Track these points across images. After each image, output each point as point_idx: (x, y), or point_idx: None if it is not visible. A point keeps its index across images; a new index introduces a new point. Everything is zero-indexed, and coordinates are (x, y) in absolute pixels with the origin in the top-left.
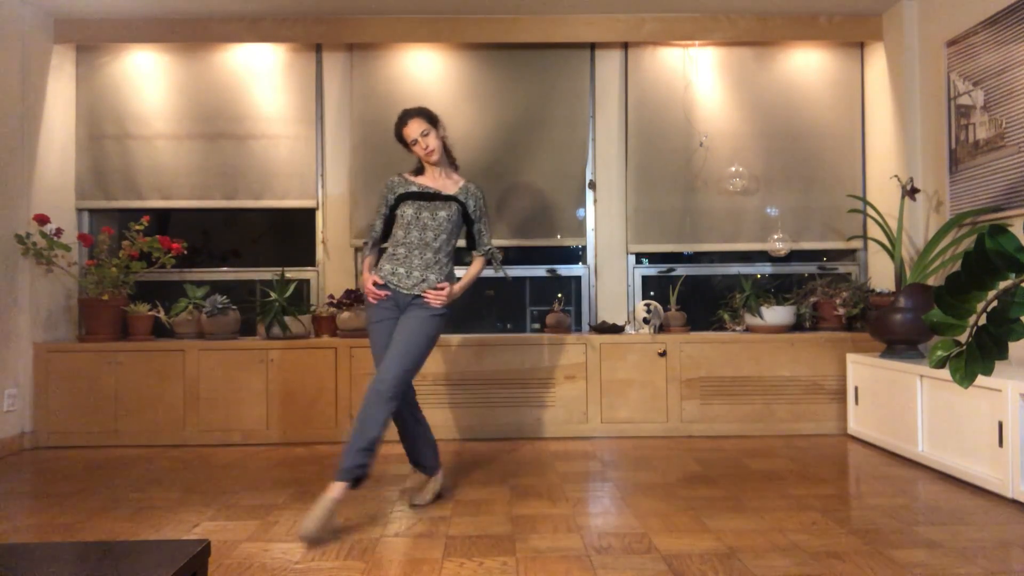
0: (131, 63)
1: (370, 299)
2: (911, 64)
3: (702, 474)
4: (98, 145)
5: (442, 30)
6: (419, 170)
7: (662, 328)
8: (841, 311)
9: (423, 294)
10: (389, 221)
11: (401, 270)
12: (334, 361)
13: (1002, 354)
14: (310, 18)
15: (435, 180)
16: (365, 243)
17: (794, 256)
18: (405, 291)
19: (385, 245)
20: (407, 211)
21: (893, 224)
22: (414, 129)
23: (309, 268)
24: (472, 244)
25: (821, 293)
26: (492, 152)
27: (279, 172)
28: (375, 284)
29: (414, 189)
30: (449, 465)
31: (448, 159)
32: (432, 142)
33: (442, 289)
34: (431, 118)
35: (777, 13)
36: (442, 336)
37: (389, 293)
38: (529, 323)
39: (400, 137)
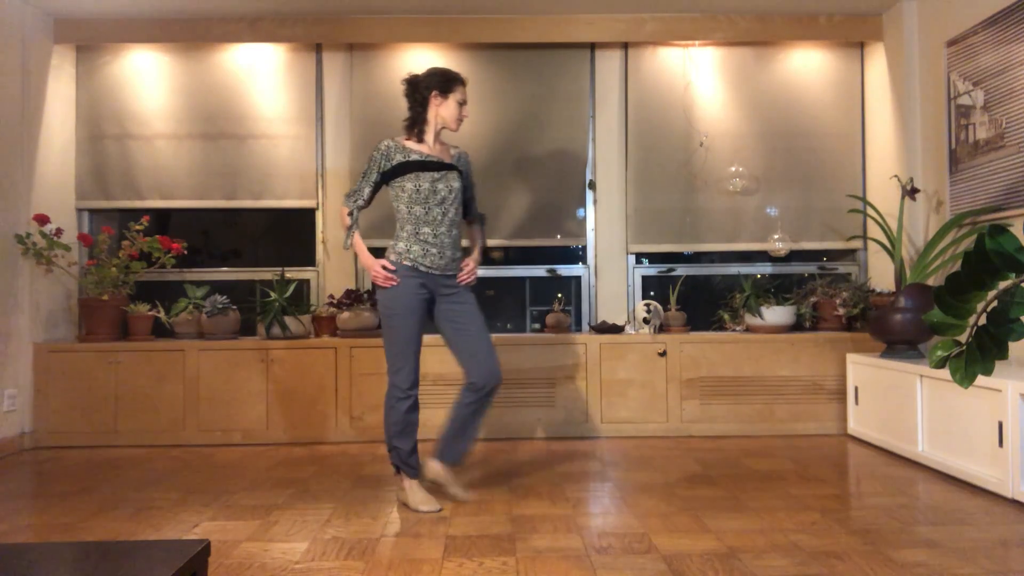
0: (131, 63)
1: (385, 284)
2: (911, 64)
3: (702, 474)
4: (98, 145)
5: (442, 30)
6: (420, 134)
7: (662, 328)
8: (841, 311)
9: (457, 275)
10: (376, 190)
11: (434, 251)
12: (334, 361)
13: (1002, 354)
14: (310, 18)
15: (432, 148)
16: (350, 213)
17: (794, 256)
18: (439, 272)
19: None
20: (422, 184)
21: (893, 224)
22: (463, 94)
23: (309, 268)
24: (467, 212)
25: (821, 293)
26: (492, 152)
27: (279, 172)
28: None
29: (416, 158)
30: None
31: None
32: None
33: (468, 266)
34: None
35: (777, 13)
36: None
37: (397, 280)
38: (529, 323)
39: (443, 89)
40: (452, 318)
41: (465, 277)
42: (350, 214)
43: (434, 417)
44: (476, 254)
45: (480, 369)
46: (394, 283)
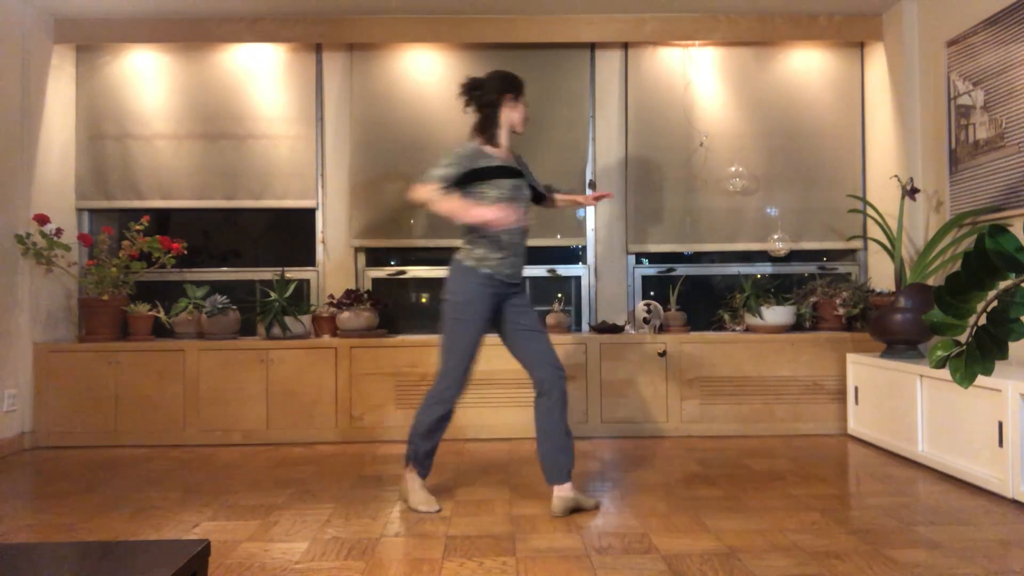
0: (131, 63)
1: (503, 222)
2: (911, 64)
3: (702, 474)
4: (98, 145)
5: (442, 30)
6: (492, 138)
7: (662, 328)
8: (841, 311)
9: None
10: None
11: (511, 259)
12: (334, 361)
13: (1002, 354)
14: (310, 18)
15: (505, 154)
16: (439, 188)
17: (794, 256)
18: (508, 280)
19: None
20: (504, 191)
21: (893, 224)
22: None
23: (309, 268)
24: (541, 196)
25: (821, 293)
26: None
27: (279, 172)
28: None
29: (496, 163)
30: (449, 465)
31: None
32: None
33: (594, 194)
34: None
35: (777, 13)
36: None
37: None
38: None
39: (517, 92)
40: (515, 320)
41: (599, 194)
42: (440, 188)
43: None
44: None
45: (545, 369)
46: (509, 221)
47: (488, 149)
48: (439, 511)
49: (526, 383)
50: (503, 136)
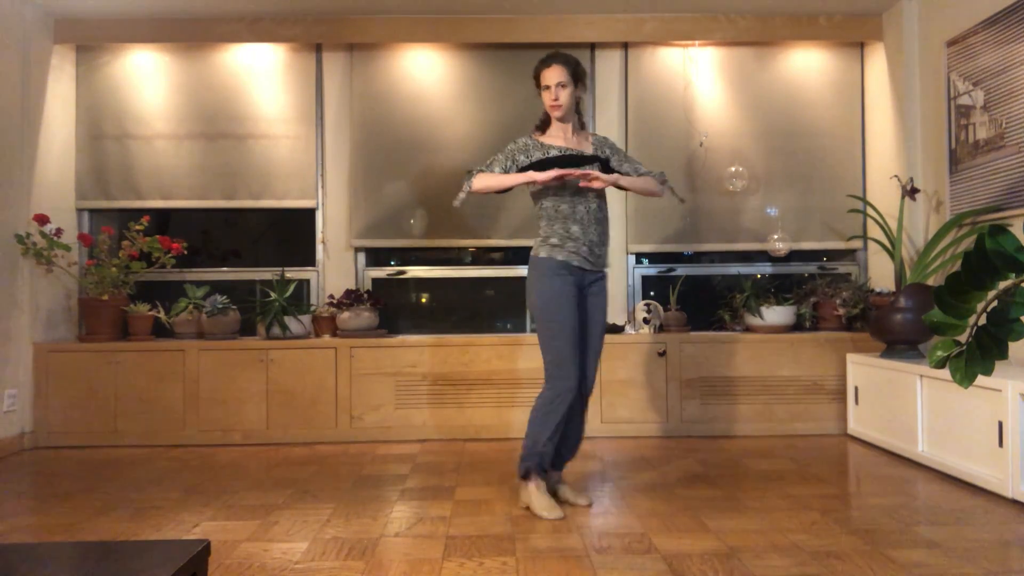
0: (131, 63)
1: (557, 179)
2: (911, 64)
3: (702, 474)
4: (98, 145)
5: (442, 30)
6: (545, 127)
7: (662, 328)
8: (841, 311)
9: (603, 270)
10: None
11: (584, 249)
12: (334, 361)
13: (1002, 354)
14: (310, 18)
15: (569, 139)
16: (476, 171)
17: (794, 256)
18: (591, 269)
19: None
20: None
21: (893, 224)
22: (551, 76)
23: (309, 268)
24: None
25: (821, 293)
26: (492, 152)
27: (279, 172)
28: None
29: (555, 153)
30: (449, 465)
31: (578, 117)
32: (564, 97)
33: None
34: (575, 72)
35: (777, 13)
36: (442, 336)
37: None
38: (529, 323)
39: (535, 76)
40: (589, 322)
41: (598, 181)
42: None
43: (431, 417)
44: (628, 179)
45: (578, 371)
46: (551, 177)
47: (543, 139)
48: (563, 517)
49: (526, 383)
50: (552, 125)
